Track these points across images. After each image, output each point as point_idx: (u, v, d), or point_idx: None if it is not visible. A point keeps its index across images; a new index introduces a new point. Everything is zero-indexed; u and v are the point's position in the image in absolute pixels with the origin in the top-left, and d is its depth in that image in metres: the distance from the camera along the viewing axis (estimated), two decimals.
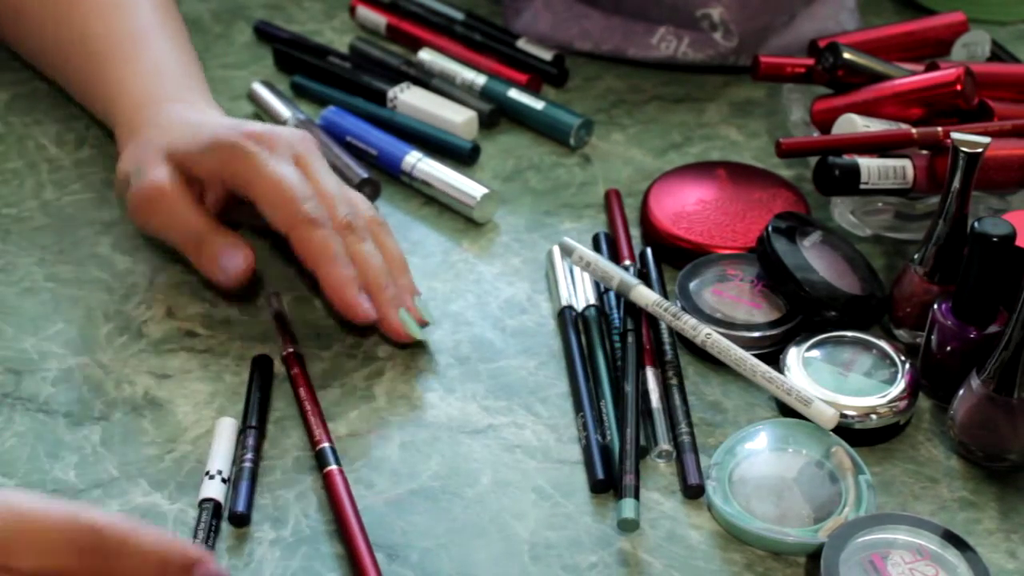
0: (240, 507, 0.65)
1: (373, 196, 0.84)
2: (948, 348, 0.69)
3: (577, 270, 0.77)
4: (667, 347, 0.73)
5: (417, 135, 0.87)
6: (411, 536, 0.65)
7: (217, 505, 0.65)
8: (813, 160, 0.78)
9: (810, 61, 0.85)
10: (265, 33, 0.97)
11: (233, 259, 0.72)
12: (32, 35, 0.86)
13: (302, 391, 0.70)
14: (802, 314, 0.73)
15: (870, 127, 0.79)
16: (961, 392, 0.67)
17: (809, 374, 0.70)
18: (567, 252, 0.76)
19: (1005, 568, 0.63)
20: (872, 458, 0.68)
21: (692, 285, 0.75)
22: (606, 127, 0.90)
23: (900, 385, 0.69)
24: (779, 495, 0.65)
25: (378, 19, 0.98)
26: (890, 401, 0.68)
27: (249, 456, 0.67)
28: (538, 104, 0.89)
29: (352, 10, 0.99)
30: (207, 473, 0.66)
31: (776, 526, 0.64)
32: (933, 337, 0.70)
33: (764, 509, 0.65)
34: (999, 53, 0.89)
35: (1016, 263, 0.67)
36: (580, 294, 0.76)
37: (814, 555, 0.63)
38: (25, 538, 0.50)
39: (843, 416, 0.68)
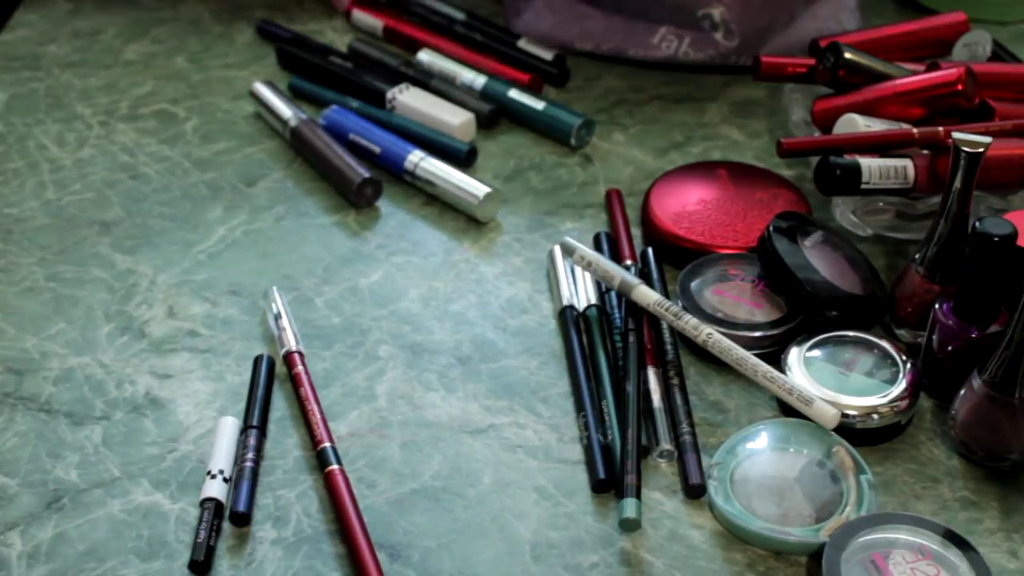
0: (241, 507, 0.65)
1: (375, 195, 0.84)
2: (949, 348, 0.69)
3: (578, 270, 0.77)
4: (668, 347, 0.73)
5: (414, 137, 0.87)
6: (413, 536, 0.65)
7: (219, 504, 0.65)
8: (814, 160, 0.78)
9: (811, 61, 0.85)
10: (268, 33, 0.98)
11: None
12: None
13: (303, 391, 0.70)
14: (803, 314, 0.73)
15: (871, 127, 0.79)
16: (962, 392, 0.67)
17: (810, 374, 0.70)
18: (568, 252, 0.76)
19: (1007, 568, 0.63)
20: (873, 458, 0.68)
21: (693, 285, 0.75)
22: (607, 127, 0.90)
23: (901, 385, 0.69)
24: (780, 495, 0.65)
25: (374, 22, 0.98)
26: (891, 401, 0.68)
27: (250, 456, 0.67)
28: (539, 104, 0.89)
29: (348, 14, 0.99)
30: (208, 473, 0.66)
31: (777, 526, 0.64)
32: (934, 337, 0.70)
33: (765, 509, 0.65)
34: (1000, 53, 0.89)
35: (1017, 263, 0.67)
36: (581, 294, 0.76)
37: (815, 555, 0.63)
38: None
39: (844, 416, 0.68)
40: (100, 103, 0.92)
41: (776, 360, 0.71)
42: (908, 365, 0.70)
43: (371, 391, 0.72)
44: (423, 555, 0.64)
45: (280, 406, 0.71)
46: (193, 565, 0.63)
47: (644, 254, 0.79)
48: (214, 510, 0.64)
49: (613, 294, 0.76)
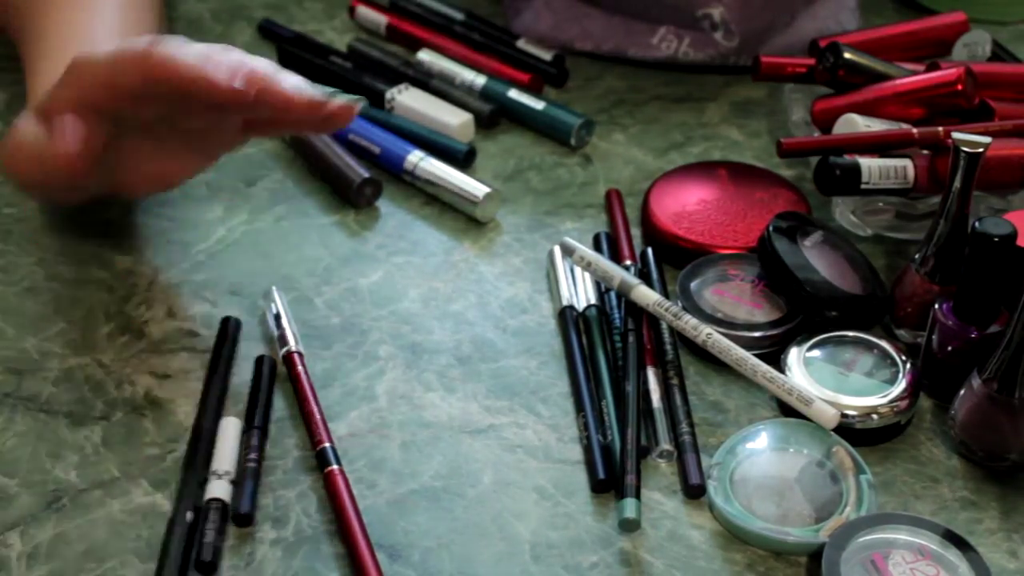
0: (244, 507, 0.65)
1: (375, 196, 0.84)
2: (949, 348, 0.69)
3: (578, 270, 0.77)
4: (668, 347, 0.73)
5: (413, 138, 0.87)
6: (412, 536, 0.65)
7: (222, 505, 0.65)
8: (814, 160, 0.78)
9: (811, 61, 0.85)
10: (270, 32, 0.97)
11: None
12: None
13: (303, 391, 0.70)
14: (803, 314, 0.73)
15: (871, 127, 0.79)
16: (962, 392, 0.67)
17: (810, 374, 0.70)
18: (568, 252, 0.76)
19: (1006, 568, 0.63)
20: (873, 458, 0.68)
21: (693, 285, 0.75)
22: (607, 127, 0.90)
23: (901, 385, 0.69)
24: (780, 495, 0.65)
25: (378, 19, 0.98)
26: (891, 401, 0.68)
27: (252, 456, 0.67)
28: (538, 104, 0.89)
29: (351, 10, 0.99)
30: (212, 473, 0.66)
31: (777, 526, 0.64)
32: (934, 337, 0.70)
33: (765, 509, 0.65)
34: (1000, 53, 0.89)
35: (1017, 263, 0.67)
36: (581, 294, 0.76)
37: (815, 555, 0.63)
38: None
39: (844, 416, 0.68)
40: None
41: (776, 360, 0.71)
42: (908, 365, 0.70)
43: (371, 391, 0.72)
44: (423, 555, 0.64)
45: (280, 406, 0.71)
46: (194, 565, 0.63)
47: (644, 254, 0.79)
48: (220, 511, 0.64)
49: (613, 294, 0.76)
